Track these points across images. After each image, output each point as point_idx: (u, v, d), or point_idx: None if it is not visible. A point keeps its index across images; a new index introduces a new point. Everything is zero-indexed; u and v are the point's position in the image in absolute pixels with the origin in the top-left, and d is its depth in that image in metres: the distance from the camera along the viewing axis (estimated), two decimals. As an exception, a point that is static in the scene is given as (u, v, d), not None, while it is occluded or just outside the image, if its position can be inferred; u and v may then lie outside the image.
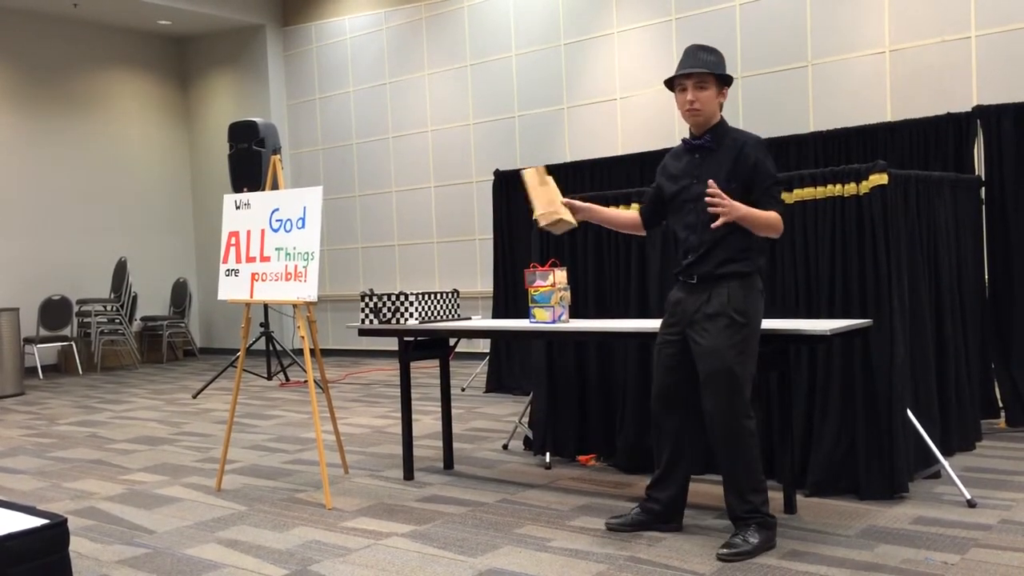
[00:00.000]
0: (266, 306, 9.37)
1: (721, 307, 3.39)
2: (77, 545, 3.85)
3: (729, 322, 3.38)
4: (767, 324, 3.70)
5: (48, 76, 11.78)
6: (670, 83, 3.56)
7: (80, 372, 11.29)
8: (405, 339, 4.72)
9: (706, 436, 3.57)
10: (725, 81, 3.50)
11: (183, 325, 12.50)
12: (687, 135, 3.62)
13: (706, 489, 4.29)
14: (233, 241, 4.86)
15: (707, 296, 3.43)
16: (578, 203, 3.78)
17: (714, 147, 3.48)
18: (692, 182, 3.52)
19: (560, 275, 4.21)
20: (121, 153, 12.51)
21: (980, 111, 5.77)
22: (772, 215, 3.38)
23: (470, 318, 5.12)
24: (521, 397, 7.36)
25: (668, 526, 3.68)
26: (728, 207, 3.29)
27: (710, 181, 3.35)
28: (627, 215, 3.92)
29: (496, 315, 7.87)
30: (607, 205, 4.90)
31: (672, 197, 3.60)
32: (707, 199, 3.32)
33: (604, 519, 3.86)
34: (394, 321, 4.72)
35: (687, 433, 3.63)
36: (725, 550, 3.33)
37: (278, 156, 5.28)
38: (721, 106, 3.53)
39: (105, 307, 11.50)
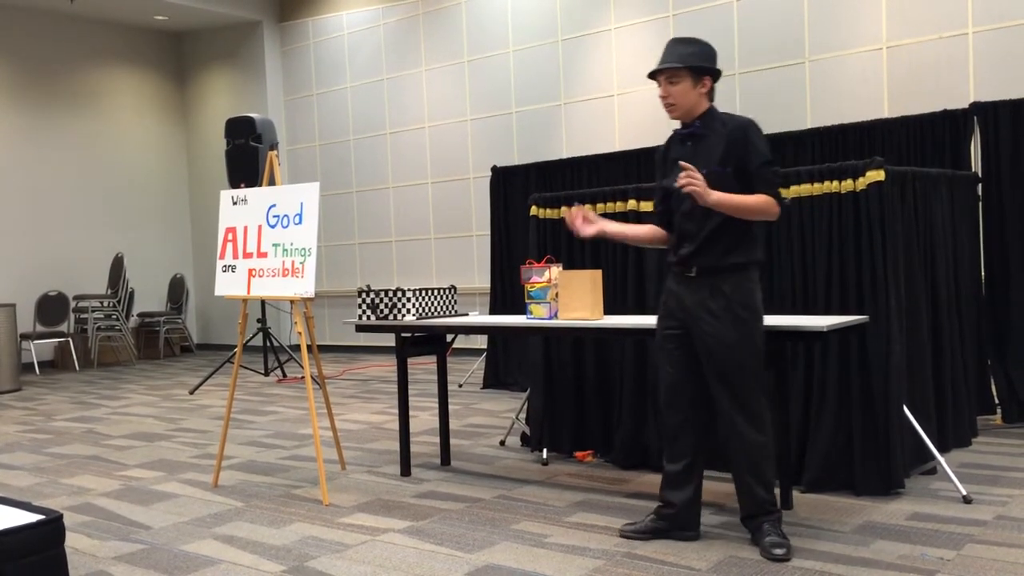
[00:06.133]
0: (263, 302, 9.36)
1: (727, 303, 3.33)
2: (74, 541, 3.85)
3: (735, 318, 3.32)
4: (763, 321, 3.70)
5: (44, 72, 11.75)
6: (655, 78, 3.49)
7: (77, 368, 11.28)
8: (402, 335, 4.72)
9: (713, 433, 3.51)
10: (704, 71, 3.38)
11: (180, 321, 12.50)
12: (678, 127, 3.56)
13: (703, 486, 4.28)
14: (230, 237, 4.85)
15: (708, 291, 3.36)
16: (593, 224, 3.66)
17: (705, 132, 3.41)
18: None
19: (556, 271, 4.21)
20: (118, 149, 12.48)
21: (977, 108, 5.77)
22: (759, 198, 3.28)
23: (467, 314, 5.12)
24: (518, 393, 7.36)
25: (686, 533, 3.52)
26: (699, 182, 3.21)
27: (681, 163, 3.30)
28: (644, 229, 3.69)
29: (493, 311, 7.87)
30: (604, 202, 4.92)
31: (671, 188, 3.49)
32: (680, 178, 3.25)
33: (601, 515, 3.86)
34: (391, 317, 4.72)
35: (700, 429, 3.50)
36: (780, 551, 3.24)
37: (275, 152, 5.28)
38: (710, 95, 3.44)
39: (102, 303, 11.48)
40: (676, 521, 3.52)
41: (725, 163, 3.33)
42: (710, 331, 3.35)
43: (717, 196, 3.25)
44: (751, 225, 3.38)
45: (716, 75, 3.44)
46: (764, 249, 3.49)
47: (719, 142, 3.36)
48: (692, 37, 3.47)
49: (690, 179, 3.22)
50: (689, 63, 3.37)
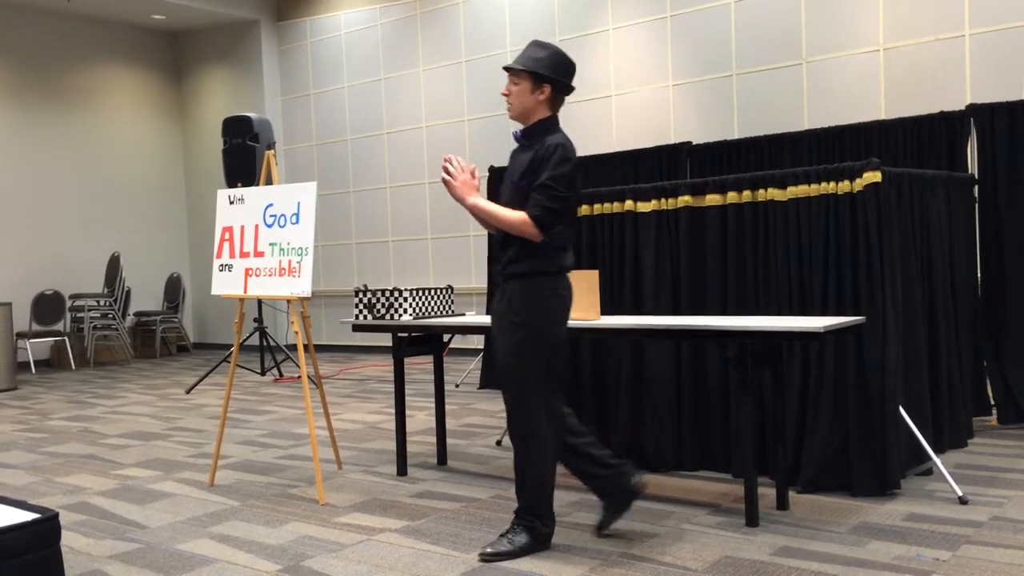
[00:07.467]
0: (260, 301, 9.36)
1: (503, 308, 3.43)
2: (70, 540, 3.85)
3: (508, 323, 3.40)
4: (760, 322, 3.71)
5: (42, 71, 11.74)
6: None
7: (73, 367, 11.26)
8: (399, 335, 4.72)
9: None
10: (545, 79, 3.38)
11: (177, 320, 12.49)
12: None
13: (699, 486, 4.30)
14: (227, 236, 4.85)
15: (500, 295, 3.48)
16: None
17: (525, 144, 3.46)
18: (506, 179, 3.53)
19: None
20: (115, 148, 12.47)
21: (973, 109, 5.79)
22: (516, 214, 3.32)
23: (464, 314, 5.12)
24: (515, 393, 7.36)
25: (614, 498, 3.56)
26: (455, 173, 3.39)
27: (445, 156, 3.48)
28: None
29: (490, 311, 7.86)
30: (600, 203, 4.93)
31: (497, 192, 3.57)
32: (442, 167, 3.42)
33: (597, 515, 3.86)
34: (388, 317, 4.72)
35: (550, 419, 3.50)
36: (489, 549, 3.39)
37: (272, 151, 5.28)
38: (552, 105, 3.43)
39: (98, 302, 11.47)
40: (604, 492, 3.59)
41: (525, 177, 3.38)
42: (495, 334, 3.47)
43: (473, 200, 3.40)
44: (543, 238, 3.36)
45: (559, 86, 3.42)
46: (570, 258, 3.43)
47: (530, 156, 3.40)
48: (549, 44, 3.48)
49: (444, 169, 3.40)
50: (530, 67, 3.40)
